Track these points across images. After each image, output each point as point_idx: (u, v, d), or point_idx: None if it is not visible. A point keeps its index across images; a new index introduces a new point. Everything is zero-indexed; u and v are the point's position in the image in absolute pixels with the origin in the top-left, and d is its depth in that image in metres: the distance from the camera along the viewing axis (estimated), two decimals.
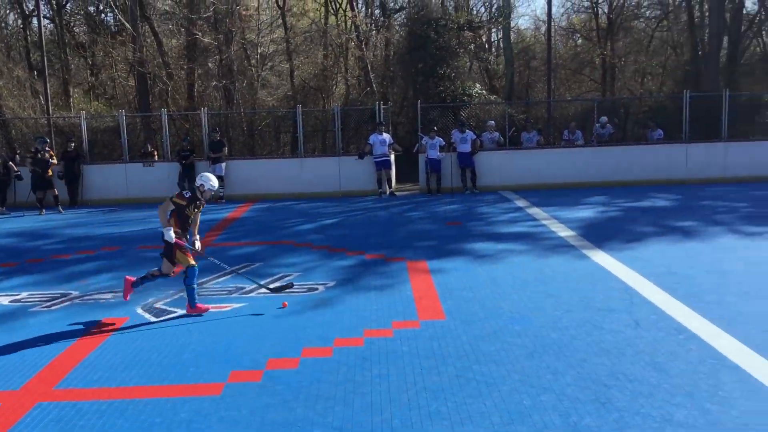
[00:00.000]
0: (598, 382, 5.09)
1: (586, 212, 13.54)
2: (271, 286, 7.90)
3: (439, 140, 17.61)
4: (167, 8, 24.34)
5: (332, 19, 27.29)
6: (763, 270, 8.35)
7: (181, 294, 8.03)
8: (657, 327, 6.31)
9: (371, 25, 27.17)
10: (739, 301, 7.05)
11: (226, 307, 7.50)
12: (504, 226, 12.39)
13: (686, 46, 28.07)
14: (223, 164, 17.74)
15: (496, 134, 18.72)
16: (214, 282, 8.63)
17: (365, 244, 10.98)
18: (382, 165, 17.53)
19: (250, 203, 16.76)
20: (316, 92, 25.81)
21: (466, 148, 17.55)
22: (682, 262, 8.95)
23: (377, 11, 28.17)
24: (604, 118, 19.44)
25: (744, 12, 28.51)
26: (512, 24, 30.73)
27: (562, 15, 34.06)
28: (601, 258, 9.28)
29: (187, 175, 17.68)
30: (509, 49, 27.91)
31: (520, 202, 15.26)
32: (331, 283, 8.43)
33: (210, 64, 24.88)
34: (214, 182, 7.44)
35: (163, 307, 7.61)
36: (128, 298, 7.60)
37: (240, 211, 15.63)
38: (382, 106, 18.63)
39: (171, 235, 7.09)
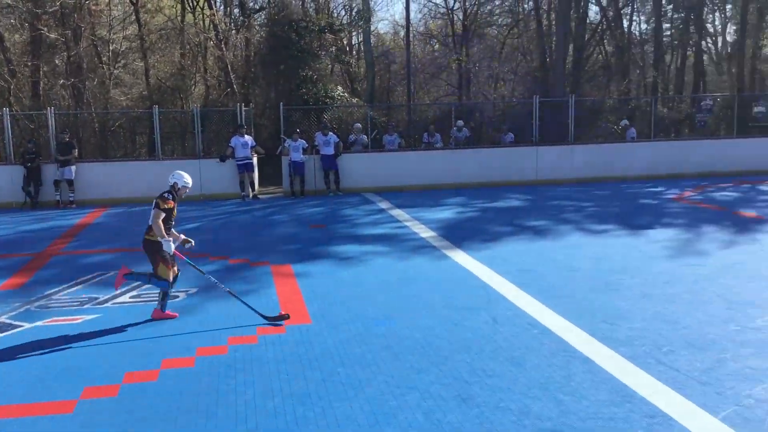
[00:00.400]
0: (460, 379, 5.25)
1: (445, 213, 13.96)
2: (268, 315, 6.95)
3: (302, 143, 17.55)
4: (9, 1, 22.69)
5: (189, 17, 26.54)
6: (608, 266, 8.93)
7: (27, 307, 7.54)
8: (513, 323, 6.59)
9: (230, 24, 26.67)
10: (587, 295, 7.51)
11: (77, 319, 7.09)
12: (367, 228, 12.52)
13: (535, 53, 29.68)
14: (73, 167, 16.78)
15: (363, 137, 18.95)
16: (64, 293, 8.15)
17: (228, 248, 10.75)
18: (245, 168, 17.24)
19: (104, 208, 15.95)
20: (173, 92, 25.00)
21: (330, 150, 17.61)
22: (535, 259, 9.43)
23: (236, 10, 27.68)
24: (461, 122, 20.18)
25: (588, 21, 30.56)
26: (372, 28, 31.18)
27: (420, 20, 35.08)
28: (460, 258, 9.59)
29: (33, 178, 16.60)
30: (370, 53, 28.28)
31: (383, 204, 15.49)
32: (193, 290, 8.18)
33: (57, 61, 23.48)
34: (188, 179, 7.12)
35: (8, 321, 7.08)
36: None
37: (92, 217, 14.83)
38: (243, 108, 18.34)
39: (171, 246, 6.86)
